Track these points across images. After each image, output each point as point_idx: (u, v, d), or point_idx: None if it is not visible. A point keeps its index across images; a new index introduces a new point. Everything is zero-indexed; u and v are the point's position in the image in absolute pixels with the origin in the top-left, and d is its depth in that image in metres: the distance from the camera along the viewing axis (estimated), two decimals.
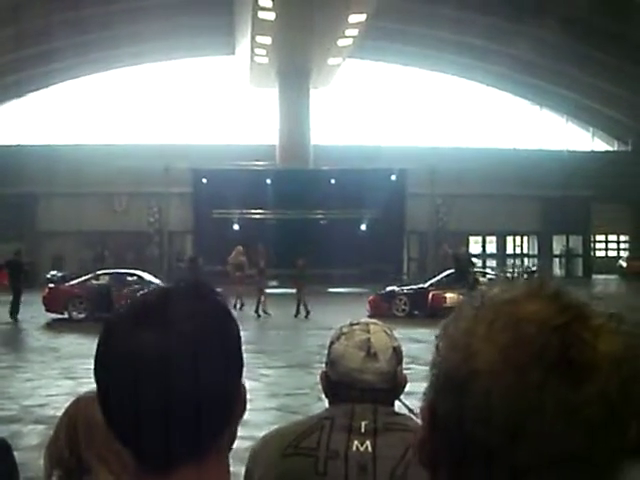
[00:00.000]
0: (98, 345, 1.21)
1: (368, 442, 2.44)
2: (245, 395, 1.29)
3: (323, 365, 2.68)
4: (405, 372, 2.58)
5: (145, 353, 1.15)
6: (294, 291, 27.27)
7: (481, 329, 0.91)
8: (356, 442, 2.45)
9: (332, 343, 2.62)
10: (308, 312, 26.11)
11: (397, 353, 2.56)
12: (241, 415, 1.29)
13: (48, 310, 25.16)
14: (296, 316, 26.12)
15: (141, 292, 1.27)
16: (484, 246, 49.35)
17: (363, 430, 2.46)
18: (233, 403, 1.25)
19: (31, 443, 9.47)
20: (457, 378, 0.90)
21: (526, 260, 50.28)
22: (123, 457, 2.26)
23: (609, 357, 0.86)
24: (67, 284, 27.09)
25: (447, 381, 0.92)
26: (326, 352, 2.66)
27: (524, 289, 0.94)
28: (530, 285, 0.94)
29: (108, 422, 1.20)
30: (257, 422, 8.96)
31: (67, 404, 2.58)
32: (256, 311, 26.58)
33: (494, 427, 0.86)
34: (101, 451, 2.36)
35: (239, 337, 1.28)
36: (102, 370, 1.21)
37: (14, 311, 24.98)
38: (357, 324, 2.63)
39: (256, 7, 34.55)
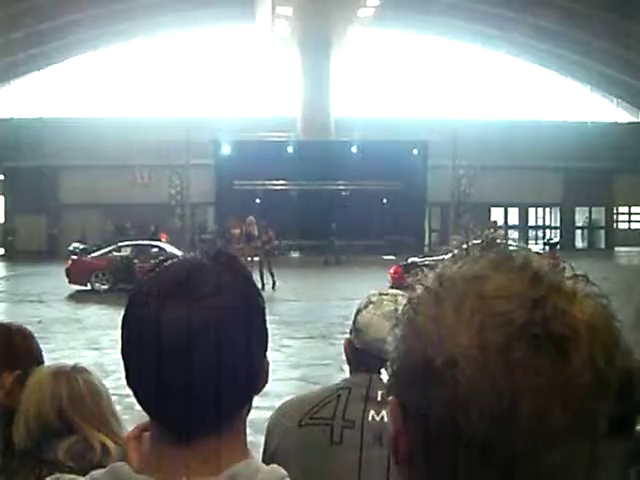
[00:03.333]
0: (124, 317, 1.23)
1: (384, 412, 2.44)
2: (268, 368, 1.30)
3: (347, 334, 2.70)
4: None
5: (171, 331, 1.16)
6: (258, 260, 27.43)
7: (448, 312, 0.84)
8: (372, 412, 2.47)
9: (359, 311, 2.64)
10: (274, 282, 26.16)
11: None
12: (263, 386, 1.30)
13: (71, 282, 25.32)
14: (263, 288, 26.21)
15: (166, 263, 1.27)
16: (506, 217, 49.11)
17: (379, 399, 2.47)
18: (257, 376, 1.26)
19: None
20: (429, 368, 0.83)
21: (548, 232, 50.01)
22: (112, 422, 2.55)
23: (587, 323, 0.82)
24: (90, 256, 27.23)
25: (417, 373, 0.85)
26: (350, 321, 2.68)
27: (486, 262, 0.87)
28: (492, 257, 0.88)
29: (136, 395, 1.22)
30: (278, 393, 8.97)
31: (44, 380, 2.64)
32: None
33: (480, 415, 0.80)
34: (86, 414, 2.52)
35: (262, 309, 1.28)
36: (129, 346, 1.22)
37: None
38: (386, 294, 2.66)
39: None
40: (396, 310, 2.55)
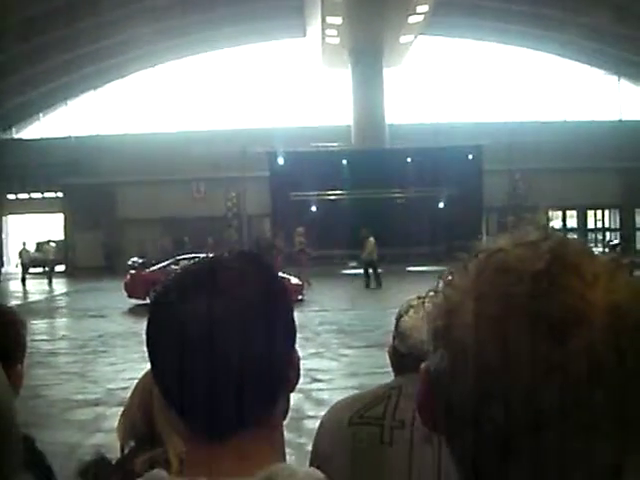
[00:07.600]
0: (149, 315, 1.21)
1: None
2: (299, 363, 1.28)
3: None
4: None
5: (195, 321, 1.14)
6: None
7: (469, 283, 0.85)
8: None
9: (400, 316, 2.63)
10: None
11: None
12: (295, 383, 1.28)
13: (130, 296, 25.55)
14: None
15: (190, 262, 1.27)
16: (564, 221, 48.53)
17: None
18: (286, 371, 1.24)
19: (114, 425, 9.64)
20: (438, 332, 0.86)
21: (608, 234, 49.33)
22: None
23: (601, 308, 0.77)
24: (148, 270, 27.46)
25: (431, 336, 0.88)
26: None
27: (510, 238, 0.87)
28: (516, 234, 0.87)
29: (162, 392, 1.20)
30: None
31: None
32: None
33: (467, 383, 0.81)
34: (163, 425, 2.40)
35: (290, 304, 1.27)
36: (153, 340, 1.21)
37: None
38: (425, 297, 2.63)
39: None
40: None
